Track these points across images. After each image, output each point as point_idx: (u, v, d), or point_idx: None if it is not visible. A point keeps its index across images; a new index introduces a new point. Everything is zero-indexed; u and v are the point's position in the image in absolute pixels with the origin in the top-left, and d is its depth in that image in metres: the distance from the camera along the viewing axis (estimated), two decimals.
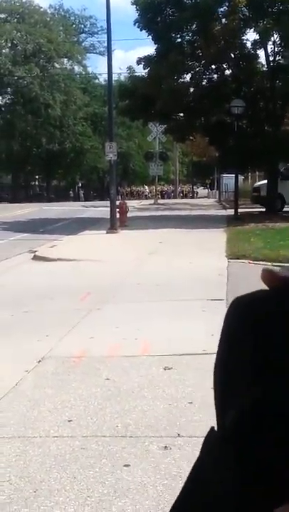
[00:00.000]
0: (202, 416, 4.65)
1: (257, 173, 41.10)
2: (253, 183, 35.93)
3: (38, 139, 61.84)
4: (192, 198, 62.38)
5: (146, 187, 67.37)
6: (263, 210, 27.97)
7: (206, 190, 69.47)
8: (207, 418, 4.59)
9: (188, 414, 4.72)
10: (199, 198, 62.31)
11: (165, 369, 5.79)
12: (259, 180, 33.69)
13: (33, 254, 15.30)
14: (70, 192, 74.99)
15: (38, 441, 4.34)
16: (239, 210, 25.67)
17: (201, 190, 72.60)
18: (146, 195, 62.81)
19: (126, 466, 3.94)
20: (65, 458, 4.07)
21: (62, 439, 4.37)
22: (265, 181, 31.54)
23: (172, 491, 3.61)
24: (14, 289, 10.79)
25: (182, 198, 61.26)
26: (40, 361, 6.16)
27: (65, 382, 5.52)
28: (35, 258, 14.77)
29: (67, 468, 3.93)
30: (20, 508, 3.49)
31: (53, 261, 14.05)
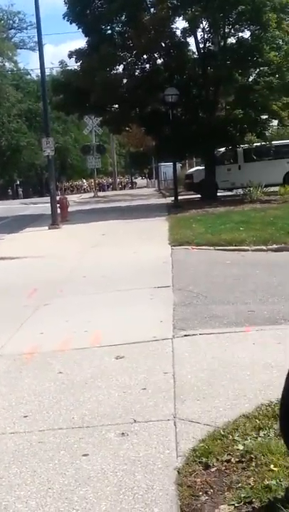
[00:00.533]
0: (156, 401, 4.72)
1: (194, 159, 41.46)
2: None
3: None
4: (131, 188, 62.41)
5: (85, 180, 67.11)
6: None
7: (145, 180, 69.62)
8: (161, 402, 4.67)
9: (142, 400, 4.78)
10: (138, 188, 62.40)
11: (117, 358, 5.83)
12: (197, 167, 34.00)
13: None
14: (9, 190, 74.01)
15: None
16: (179, 198, 25.90)
17: (140, 181, 72.67)
18: (84, 189, 62.58)
19: (85, 455, 3.97)
20: (23, 453, 4.07)
21: (19, 434, 4.36)
22: (198, 168, 31.99)
23: (132, 475, 3.67)
24: None
25: (121, 189, 61.23)
26: None
27: (18, 379, 5.51)
28: None
29: (26, 462, 3.94)
30: None
31: None
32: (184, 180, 31.51)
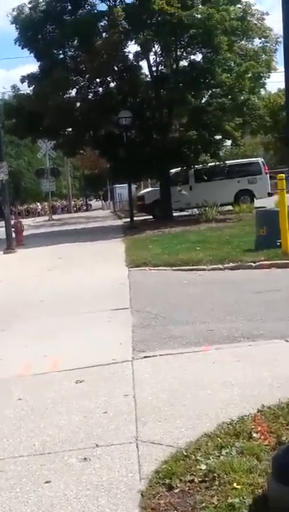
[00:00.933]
0: (117, 424, 4.70)
1: (149, 180, 41.78)
2: None
3: None
4: (86, 210, 62.44)
5: (39, 204, 66.86)
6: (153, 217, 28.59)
7: (100, 202, 69.78)
8: (122, 425, 4.65)
9: (104, 423, 4.74)
10: (94, 210, 62.45)
11: (77, 382, 5.79)
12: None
13: None
14: None
15: None
16: (134, 219, 26.02)
17: (95, 203, 72.80)
18: (39, 212, 62.33)
19: (47, 482, 3.91)
20: None
21: None
22: (149, 189, 32.29)
23: (96, 500, 3.63)
24: None
25: (76, 211, 61.19)
26: None
27: None
28: None
29: None
30: None
31: None
32: (136, 201, 31.81)
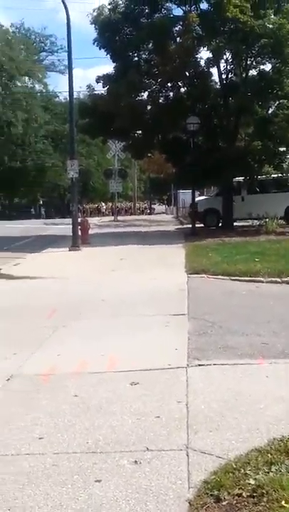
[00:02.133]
0: (169, 430, 4.76)
1: (212, 188, 41.62)
2: None
3: (0, 157, 61.44)
4: (149, 214, 62.63)
5: (104, 204, 67.49)
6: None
7: (164, 206, 69.88)
8: (174, 432, 4.71)
9: (156, 428, 4.81)
10: (157, 214, 62.60)
11: (132, 384, 5.88)
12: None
13: None
14: (32, 209, 74.55)
15: (9, 459, 4.37)
16: (196, 226, 25.99)
17: (158, 207, 72.95)
18: (103, 212, 62.94)
19: (97, 481, 4.00)
20: (37, 475, 4.12)
21: (34, 456, 4.41)
22: (202, 197, 32.17)
23: (144, 504, 3.70)
24: None
25: (139, 214, 61.47)
26: (8, 379, 6.19)
27: (34, 399, 5.57)
28: (0, 276, 14.70)
29: (40, 485, 3.98)
30: None
31: (18, 279, 14.01)
32: (188, 209, 31.69)
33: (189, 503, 3.70)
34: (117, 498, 3.80)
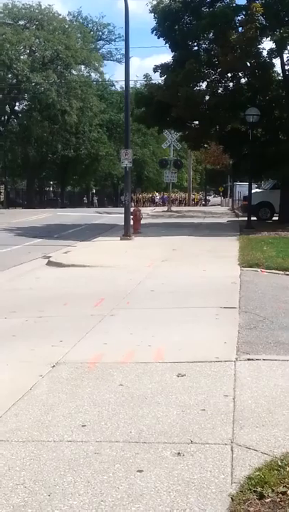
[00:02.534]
0: (214, 423, 4.68)
1: (265, 181, 41.12)
2: None
3: (54, 145, 62.15)
4: (204, 205, 62.36)
5: (157, 194, 67.48)
6: (276, 218, 28.18)
7: (219, 197, 69.52)
8: (219, 425, 4.63)
9: (201, 421, 4.74)
10: (211, 205, 62.30)
11: (178, 376, 5.82)
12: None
13: (47, 260, 15.38)
14: (84, 198, 75.21)
15: (52, 446, 4.37)
16: (252, 218, 25.72)
17: (213, 198, 72.61)
18: (156, 203, 62.95)
19: (139, 471, 3.97)
20: (79, 462, 4.10)
21: (76, 443, 4.40)
22: (255, 190, 31.76)
23: (185, 497, 3.64)
24: (28, 294, 10.86)
25: (194, 205, 61.26)
26: (54, 366, 6.21)
27: (78, 387, 5.56)
28: (50, 264, 14.84)
29: (81, 472, 3.97)
30: (35, 511, 3.53)
31: (68, 267, 14.13)
32: (242, 202, 31.34)
33: (232, 498, 3.62)
34: (158, 489, 3.75)
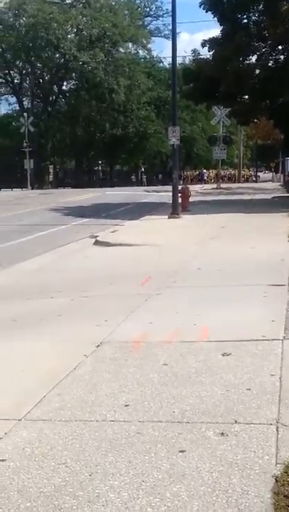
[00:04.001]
0: (260, 403, 4.59)
1: None
2: None
3: (102, 124, 62.22)
4: (255, 181, 61.59)
5: (205, 170, 66.89)
6: None
7: (270, 173, 68.57)
8: (264, 405, 4.54)
9: (245, 400, 4.66)
10: (263, 182, 61.49)
11: (223, 355, 5.72)
12: None
13: (94, 239, 15.42)
14: (133, 177, 75.19)
15: (94, 425, 4.36)
16: None
17: (263, 175, 71.65)
18: (205, 180, 62.44)
19: (181, 451, 3.92)
20: (121, 442, 4.08)
21: (119, 423, 4.38)
22: None
23: (228, 478, 3.58)
24: (75, 274, 10.91)
25: (244, 181, 60.54)
26: (98, 346, 6.20)
27: (122, 367, 5.53)
28: (97, 243, 14.88)
29: (122, 452, 3.94)
30: (76, 491, 3.52)
31: (114, 246, 14.14)
32: (286, 177, 30.77)
33: (276, 479, 3.54)
34: (200, 469, 3.69)
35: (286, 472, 3.61)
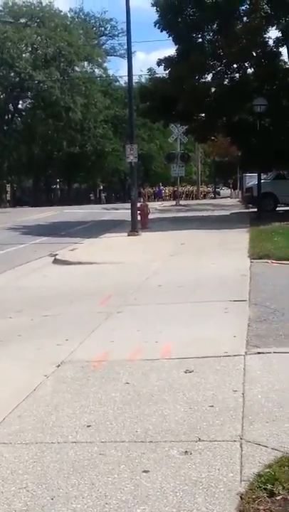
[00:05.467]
0: (223, 419, 4.56)
1: (281, 171, 40.81)
2: None
3: (59, 143, 62.13)
4: (213, 198, 62.13)
5: (163, 187, 67.19)
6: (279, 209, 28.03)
7: (229, 190, 69.28)
8: (228, 422, 4.51)
9: (209, 417, 4.62)
10: (221, 198, 62.07)
11: (186, 372, 5.69)
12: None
13: (53, 258, 15.29)
14: (91, 195, 75.12)
15: (56, 447, 4.27)
16: (251, 210, 25.54)
17: (223, 191, 72.38)
18: (164, 197, 62.72)
19: (145, 472, 3.85)
20: (83, 464, 4.00)
21: (81, 444, 4.30)
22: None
23: (193, 497, 3.53)
24: (35, 292, 10.78)
25: (203, 198, 60.99)
26: (59, 366, 6.10)
27: (84, 386, 5.45)
28: (56, 261, 14.76)
29: (85, 474, 3.86)
30: None
31: (74, 264, 14.03)
32: (243, 193, 31.12)
33: (241, 496, 3.51)
34: (164, 489, 3.64)
35: (251, 489, 3.58)
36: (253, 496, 3.48)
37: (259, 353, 6.22)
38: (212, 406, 4.84)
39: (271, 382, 5.33)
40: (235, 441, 4.21)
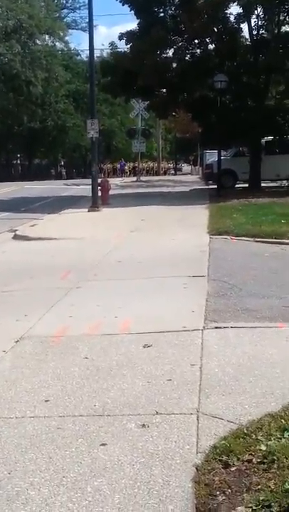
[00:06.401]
0: (180, 393, 4.62)
1: (241, 148, 41.00)
2: None
3: (20, 117, 61.15)
4: (174, 174, 62.14)
5: (124, 162, 66.93)
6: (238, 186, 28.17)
7: (190, 166, 69.33)
8: (185, 395, 4.57)
9: (166, 391, 4.67)
10: (182, 174, 62.11)
11: (144, 347, 5.73)
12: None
13: (13, 233, 15.17)
14: (52, 170, 74.40)
15: (13, 422, 4.27)
16: (211, 187, 25.66)
17: (185, 167, 72.43)
18: (125, 172, 62.51)
19: (103, 445, 3.89)
20: (41, 438, 4.01)
21: (39, 419, 4.30)
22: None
23: (149, 469, 3.58)
24: None
25: (163, 174, 60.96)
26: (18, 341, 6.08)
27: (42, 362, 5.45)
28: (16, 237, 14.65)
29: (42, 448, 3.87)
30: None
31: (34, 240, 13.96)
32: (203, 170, 31.16)
33: (196, 468, 3.57)
34: (121, 462, 3.68)
35: (206, 461, 3.64)
36: (209, 468, 3.54)
37: (217, 327, 6.29)
38: (170, 380, 4.90)
39: (228, 356, 5.40)
40: (191, 414, 4.27)
